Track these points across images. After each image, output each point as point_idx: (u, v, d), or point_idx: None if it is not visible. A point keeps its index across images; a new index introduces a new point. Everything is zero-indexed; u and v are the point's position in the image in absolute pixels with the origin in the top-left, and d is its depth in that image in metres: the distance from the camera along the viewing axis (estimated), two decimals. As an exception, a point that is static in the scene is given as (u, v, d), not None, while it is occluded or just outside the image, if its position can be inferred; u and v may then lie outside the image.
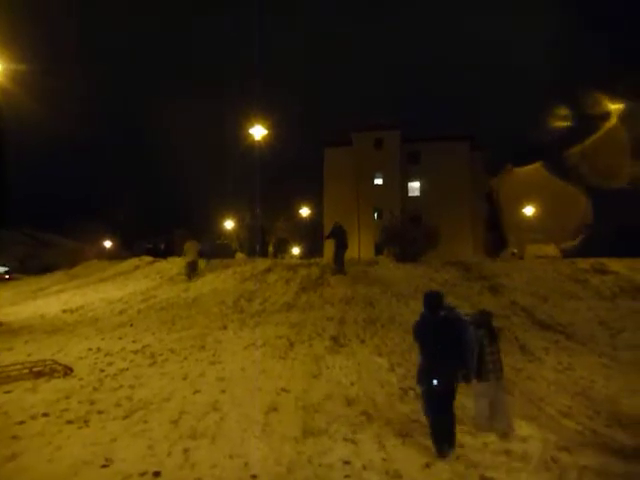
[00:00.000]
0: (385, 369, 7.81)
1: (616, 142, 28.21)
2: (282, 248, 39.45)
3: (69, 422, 5.41)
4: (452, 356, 5.08)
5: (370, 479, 4.35)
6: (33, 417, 5.53)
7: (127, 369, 7.67)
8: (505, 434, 5.42)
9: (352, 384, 7.10)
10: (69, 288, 17.46)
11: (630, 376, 7.83)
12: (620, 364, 8.52)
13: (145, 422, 5.45)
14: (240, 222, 38.73)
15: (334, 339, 9.39)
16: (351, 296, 12.94)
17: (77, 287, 17.43)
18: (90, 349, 8.97)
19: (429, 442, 5.05)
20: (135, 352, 8.71)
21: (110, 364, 7.95)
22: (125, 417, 5.60)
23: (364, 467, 4.53)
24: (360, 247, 30.64)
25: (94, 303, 14.01)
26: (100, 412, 5.75)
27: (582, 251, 25.88)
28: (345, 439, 5.15)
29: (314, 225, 41.08)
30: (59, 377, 7.21)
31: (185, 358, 8.27)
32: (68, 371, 7.45)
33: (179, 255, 20.24)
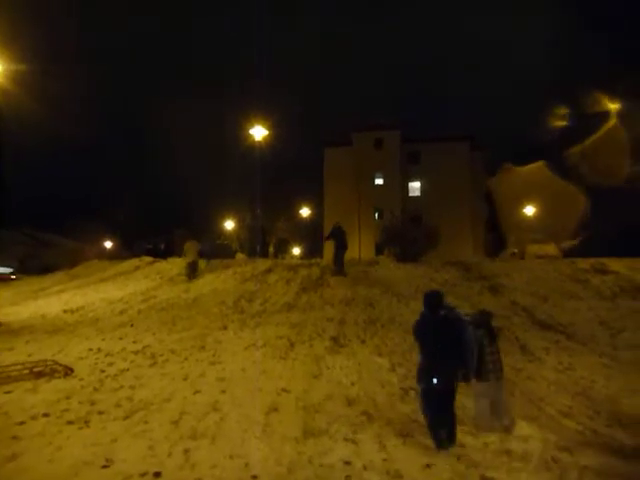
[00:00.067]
0: (386, 369, 7.81)
1: (616, 142, 28.21)
2: (282, 248, 39.44)
3: (69, 422, 5.41)
4: (452, 355, 5.10)
5: (371, 479, 4.35)
6: (33, 417, 5.53)
7: (127, 369, 7.67)
8: (507, 429, 5.44)
9: (353, 384, 7.10)
10: (70, 288, 17.47)
11: (630, 376, 7.84)
12: (620, 364, 8.52)
13: (145, 422, 5.45)
14: (240, 222, 38.67)
15: (334, 339, 9.39)
16: (351, 296, 12.94)
17: (78, 287, 17.44)
18: (91, 349, 8.97)
19: (430, 442, 5.06)
20: (135, 352, 8.71)
21: (110, 364, 7.95)
22: (125, 417, 5.60)
23: (365, 467, 4.52)
24: (360, 247, 30.68)
25: (95, 303, 14.02)
26: (100, 412, 5.75)
27: (582, 251, 25.89)
28: (346, 439, 5.14)
29: (314, 225, 41.09)
30: (59, 377, 7.21)
31: (185, 358, 8.27)
32: (69, 371, 7.46)
33: (179, 255, 20.25)
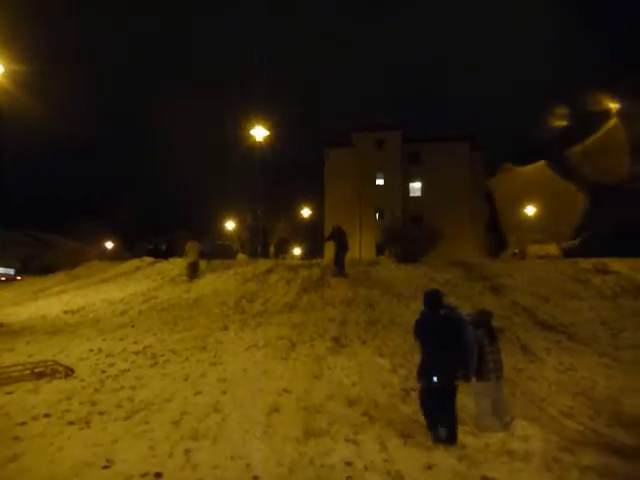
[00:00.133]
0: (387, 370, 7.80)
1: (617, 141, 28.22)
2: (283, 249, 39.49)
3: (70, 423, 5.41)
4: (452, 354, 5.13)
5: (372, 480, 4.35)
6: (34, 418, 5.53)
7: (128, 370, 7.67)
8: (507, 425, 5.46)
9: (354, 385, 7.09)
10: (70, 289, 17.47)
11: (631, 376, 7.83)
12: (622, 364, 8.51)
13: (146, 423, 5.44)
14: (241, 223, 38.74)
15: (335, 340, 9.38)
16: (352, 297, 12.94)
17: (78, 288, 17.44)
18: (91, 350, 8.98)
19: (431, 443, 5.07)
20: (136, 353, 8.71)
21: (111, 365, 7.95)
22: (126, 418, 5.60)
23: (366, 468, 4.52)
24: (361, 247, 30.67)
25: (95, 304, 14.02)
26: (101, 413, 5.75)
27: (584, 251, 25.86)
28: (347, 440, 5.14)
29: (315, 226, 41.10)
30: (60, 378, 7.21)
31: (186, 359, 8.27)
32: (69, 372, 7.46)
33: (180, 256, 20.28)
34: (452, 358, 5.15)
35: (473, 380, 5.59)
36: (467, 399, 5.96)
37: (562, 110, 33.03)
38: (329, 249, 23.11)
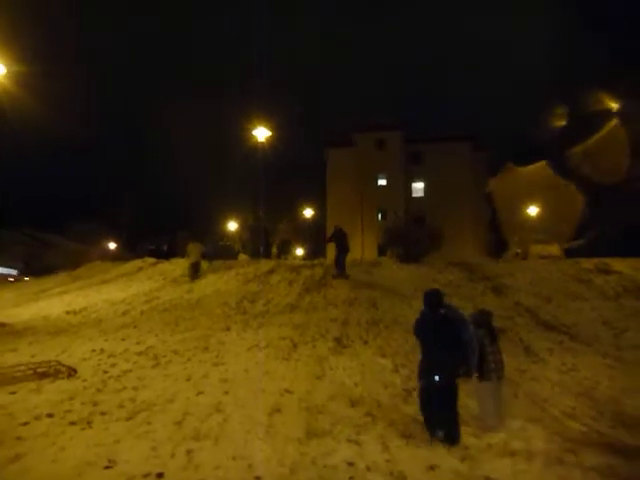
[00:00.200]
0: (389, 370, 7.80)
1: (618, 141, 28.18)
2: (285, 249, 39.46)
3: (73, 423, 5.42)
4: (452, 353, 5.14)
5: (374, 480, 4.35)
6: (37, 418, 5.54)
7: (130, 370, 7.68)
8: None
9: (356, 385, 7.09)
10: (72, 289, 17.48)
11: (634, 376, 7.81)
12: (624, 364, 8.49)
13: (148, 423, 5.45)
14: (243, 223, 38.73)
15: (337, 340, 9.38)
16: (354, 297, 12.94)
17: (80, 288, 17.45)
18: (94, 350, 8.98)
19: (433, 443, 5.07)
20: (138, 353, 8.72)
21: (113, 365, 7.96)
22: (128, 418, 5.61)
23: (368, 468, 4.52)
24: (363, 248, 30.67)
25: (97, 304, 14.03)
26: (103, 413, 5.75)
27: (586, 251, 25.82)
28: (349, 440, 5.14)
29: (317, 226, 41.06)
30: (63, 378, 7.22)
31: (188, 359, 8.27)
32: (72, 372, 7.47)
33: (182, 256, 20.28)
34: (452, 357, 5.17)
35: (475, 380, 5.59)
36: (469, 399, 5.95)
37: (562, 110, 32.96)
38: (331, 249, 23.10)
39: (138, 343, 9.50)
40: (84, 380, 7.14)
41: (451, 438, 5.09)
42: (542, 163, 34.08)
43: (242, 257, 28.60)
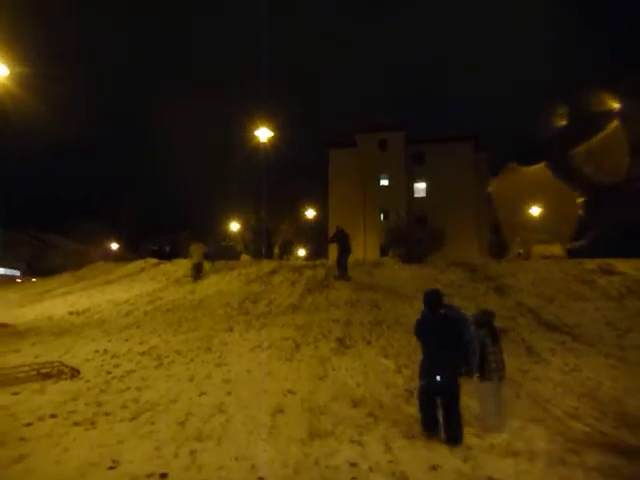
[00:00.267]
0: (391, 371, 7.80)
1: (620, 141, 28.12)
2: (287, 250, 39.43)
3: (76, 424, 5.43)
4: (452, 353, 5.15)
5: (376, 481, 4.35)
6: (40, 418, 5.56)
7: (134, 371, 7.70)
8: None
9: (358, 386, 7.10)
10: (75, 290, 17.53)
11: (637, 377, 7.80)
12: (627, 365, 8.48)
13: (152, 424, 5.46)
14: (245, 224, 38.74)
15: (340, 341, 9.39)
16: (356, 298, 12.93)
17: (83, 289, 17.50)
18: (97, 351, 9.01)
19: (436, 444, 5.07)
20: (141, 354, 8.74)
21: (117, 366, 7.98)
22: (132, 419, 5.62)
23: (370, 469, 4.52)
24: (366, 248, 30.66)
25: (100, 305, 14.07)
26: (107, 414, 5.77)
27: (589, 251, 25.78)
28: (351, 441, 5.15)
29: (319, 227, 41.07)
30: (66, 379, 7.24)
31: (191, 360, 8.29)
32: (75, 373, 7.49)
33: (184, 257, 20.33)
34: (453, 357, 5.18)
35: (476, 380, 5.60)
36: (470, 400, 5.96)
37: (562, 110, 32.87)
38: (333, 250, 23.10)
39: (141, 343, 9.52)
40: (87, 381, 7.17)
41: (454, 438, 5.10)
42: (543, 163, 34.03)
43: (244, 258, 28.60)
